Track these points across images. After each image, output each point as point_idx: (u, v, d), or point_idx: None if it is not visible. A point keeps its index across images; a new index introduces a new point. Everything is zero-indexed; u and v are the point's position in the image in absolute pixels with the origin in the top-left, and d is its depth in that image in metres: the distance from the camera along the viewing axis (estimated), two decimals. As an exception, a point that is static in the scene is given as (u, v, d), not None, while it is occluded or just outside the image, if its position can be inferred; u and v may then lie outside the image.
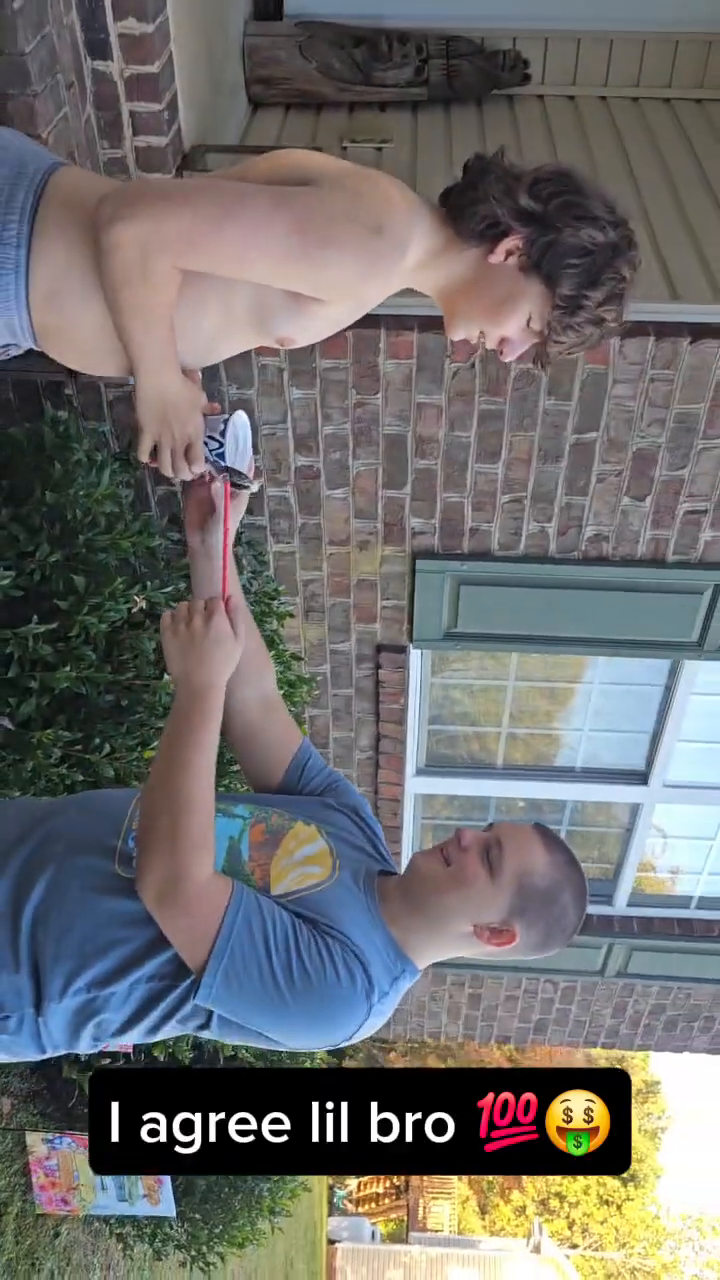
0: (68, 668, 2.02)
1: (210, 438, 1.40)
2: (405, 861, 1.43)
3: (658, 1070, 23.36)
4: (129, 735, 2.16)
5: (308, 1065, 3.59)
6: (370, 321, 2.50)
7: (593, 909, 4.28)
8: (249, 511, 2.80)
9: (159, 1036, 1.30)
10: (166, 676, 2.12)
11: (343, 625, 3.19)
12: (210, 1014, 1.24)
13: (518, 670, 3.58)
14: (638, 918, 4.30)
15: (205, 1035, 1.29)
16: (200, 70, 2.68)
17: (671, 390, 2.56)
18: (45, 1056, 1.31)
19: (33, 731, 2.00)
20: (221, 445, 1.41)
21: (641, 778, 3.77)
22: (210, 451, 1.40)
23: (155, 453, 1.39)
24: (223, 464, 1.41)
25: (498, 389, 2.59)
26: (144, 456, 1.39)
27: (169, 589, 2.20)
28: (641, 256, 1.31)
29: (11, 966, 1.25)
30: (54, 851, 1.29)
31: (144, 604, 2.16)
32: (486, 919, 1.29)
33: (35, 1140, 3.16)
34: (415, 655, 3.32)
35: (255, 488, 1.47)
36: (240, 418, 1.45)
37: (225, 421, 1.42)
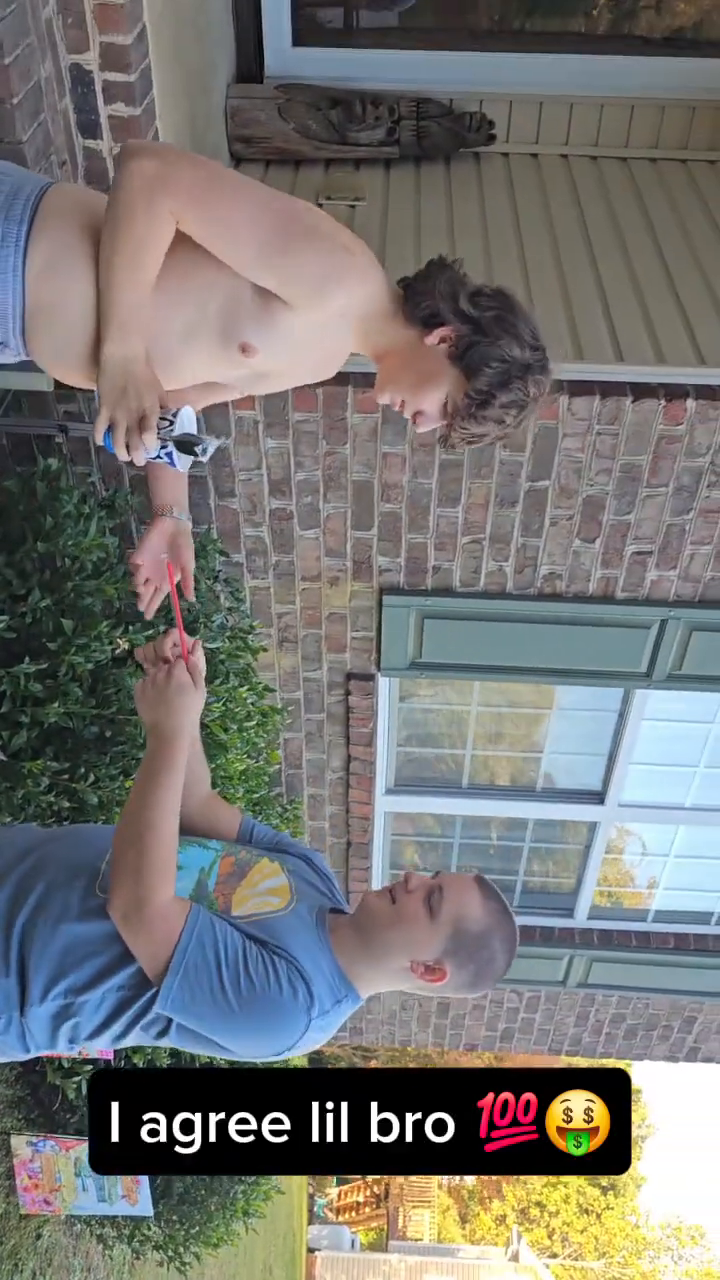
0: (56, 703, 2.15)
1: (162, 417, 1.46)
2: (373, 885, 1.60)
3: (638, 1080, 23.38)
4: (112, 765, 2.29)
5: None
6: (339, 379, 2.65)
7: (555, 921, 4.42)
8: (224, 555, 2.97)
9: (126, 1043, 1.44)
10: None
11: (315, 655, 3.34)
12: (169, 1022, 1.38)
13: (480, 697, 3.73)
14: (598, 930, 4.42)
15: (164, 1042, 1.42)
16: (184, 137, 2.85)
17: (616, 444, 2.73)
18: (30, 1056, 1.45)
19: (23, 762, 2.13)
20: (172, 424, 1.47)
21: (598, 797, 3.92)
22: (161, 430, 1.46)
23: (110, 432, 1.43)
24: (175, 434, 1.47)
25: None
26: (99, 436, 1.44)
27: (150, 631, 2.32)
28: (551, 382, 1.48)
29: (3, 972, 1.39)
30: (45, 872, 1.45)
31: (127, 645, 2.28)
32: (422, 956, 1.42)
33: (20, 1144, 3.30)
34: (383, 682, 3.45)
35: (210, 452, 1.51)
36: (188, 408, 1.52)
37: (178, 408, 1.50)
